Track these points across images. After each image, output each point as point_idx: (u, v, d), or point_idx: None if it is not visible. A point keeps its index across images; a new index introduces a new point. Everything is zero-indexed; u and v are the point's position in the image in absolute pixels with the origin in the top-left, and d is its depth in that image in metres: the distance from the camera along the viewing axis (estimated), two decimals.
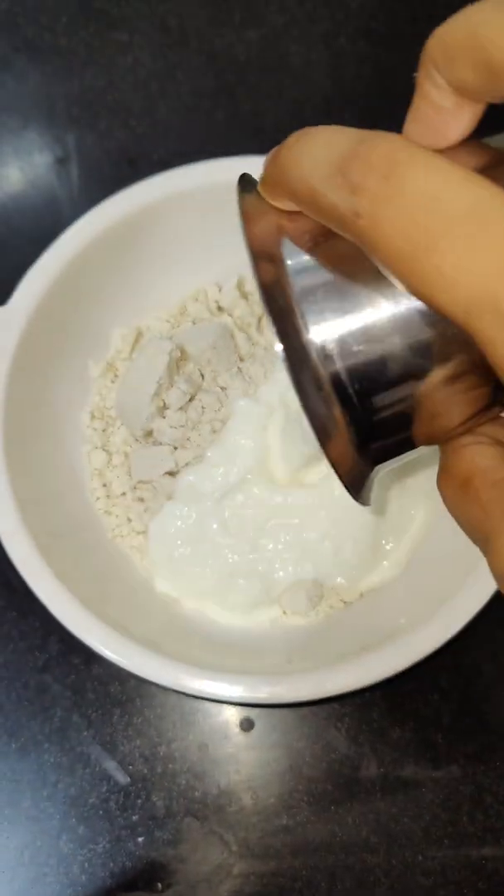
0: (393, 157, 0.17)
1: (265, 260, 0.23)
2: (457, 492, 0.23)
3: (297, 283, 0.22)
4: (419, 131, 0.24)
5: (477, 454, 0.23)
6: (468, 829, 0.51)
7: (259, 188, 0.24)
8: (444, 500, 0.24)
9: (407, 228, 0.17)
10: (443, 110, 0.23)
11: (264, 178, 0.23)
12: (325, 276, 0.22)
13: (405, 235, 0.17)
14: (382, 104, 0.64)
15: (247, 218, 0.24)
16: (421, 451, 0.25)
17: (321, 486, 0.50)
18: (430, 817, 0.51)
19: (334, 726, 0.52)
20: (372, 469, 0.25)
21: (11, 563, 0.46)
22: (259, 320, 0.55)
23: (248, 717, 0.52)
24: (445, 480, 0.24)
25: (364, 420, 0.23)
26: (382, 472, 0.26)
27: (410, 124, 0.24)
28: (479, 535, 0.23)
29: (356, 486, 0.25)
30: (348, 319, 0.22)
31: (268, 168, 0.23)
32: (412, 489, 0.51)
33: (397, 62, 0.65)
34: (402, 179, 0.17)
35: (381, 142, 0.18)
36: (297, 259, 0.23)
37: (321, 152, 0.19)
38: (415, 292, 0.17)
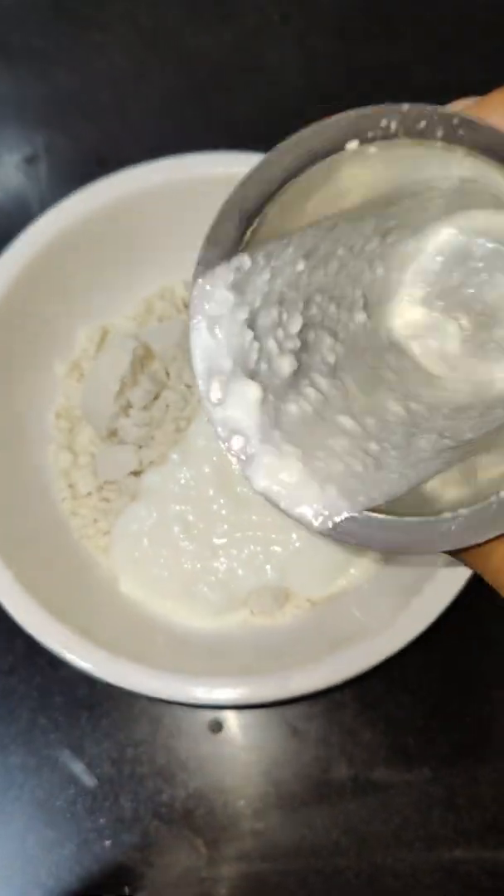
0: None
1: None
2: None
3: None
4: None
5: None
6: (440, 831, 0.51)
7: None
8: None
9: None
10: None
11: None
12: None
13: None
14: (357, 104, 0.63)
15: None
16: None
17: None
18: (401, 819, 0.51)
19: (304, 728, 0.52)
20: None
21: None
22: None
23: (216, 719, 0.52)
24: None
25: None
26: None
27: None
28: None
29: None
30: None
31: None
32: None
33: (371, 61, 0.64)
34: None
35: None
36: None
37: None
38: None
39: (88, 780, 0.51)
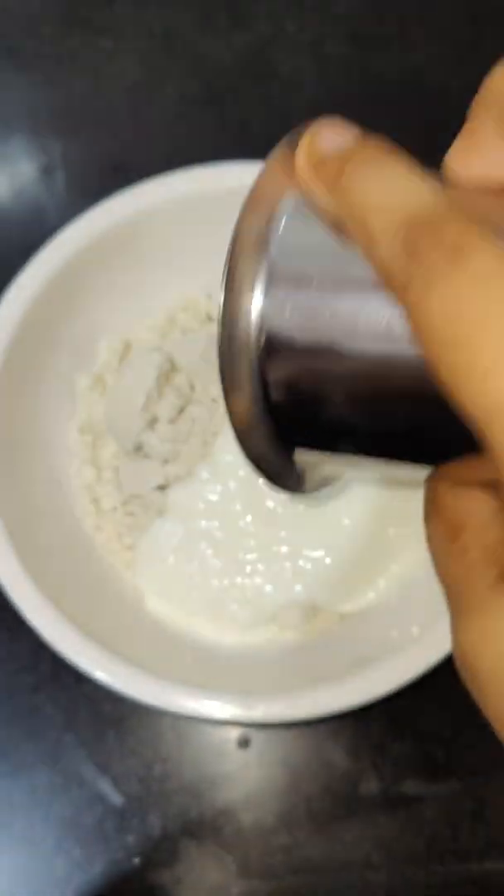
0: (467, 240, 0.16)
1: (260, 206, 0.22)
2: (442, 537, 0.21)
3: (280, 241, 0.21)
4: (467, 161, 0.22)
5: (476, 504, 0.21)
6: (470, 843, 0.50)
7: (299, 157, 0.22)
8: (427, 538, 0.22)
9: (455, 314, 0.16)
10: (500, 146, 0.21)
11: (309, 154, 0.21)
12: (314, 251, 0.21)
13: (450, 320, 0.16)
14: (371, 110, 0.63)
15: (267, 167, 0.22)
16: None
17: (314, 512, 0.49)
18: (431, 832, 0.50)
19: (333, 742, 0.52)
20: (287, 450, 0.23)
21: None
22: None
23: (244, 735, 0.51)
24: (433, 518, 0.22)
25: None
26: (322, 464, 0.23)
27: (459, 152, 0.23)
28: (452, 596, 0.21)
29: (265, 459, 0.23)
30: (307, 294, 0.20)
31: (316, 149, 0.21)
32: (408, 512, 0.50)
33: (385, 67, 0.64)
34: (468, 264, 0.16)
35: (457, 220, 0.17)
36: (293, 222, 0.21)
37: (393, 198, 0.18)
38: (437, 377, 0.16)
39: (116, 798, 0.50)
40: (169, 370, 0.50)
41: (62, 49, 0.64)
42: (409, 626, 0.46)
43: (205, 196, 0.49)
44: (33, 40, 0.64)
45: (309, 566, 0.49)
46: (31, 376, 0.49)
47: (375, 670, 0.44)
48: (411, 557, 0.50)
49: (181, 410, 0.50)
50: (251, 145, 0.62)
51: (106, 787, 0.51)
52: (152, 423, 0.50)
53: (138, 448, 0.50)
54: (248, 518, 0.49)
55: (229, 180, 0.49)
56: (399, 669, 0.44)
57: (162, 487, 0.50)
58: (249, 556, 0.49)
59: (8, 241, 0.59)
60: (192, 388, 0.51)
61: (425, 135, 0.62)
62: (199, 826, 0.50)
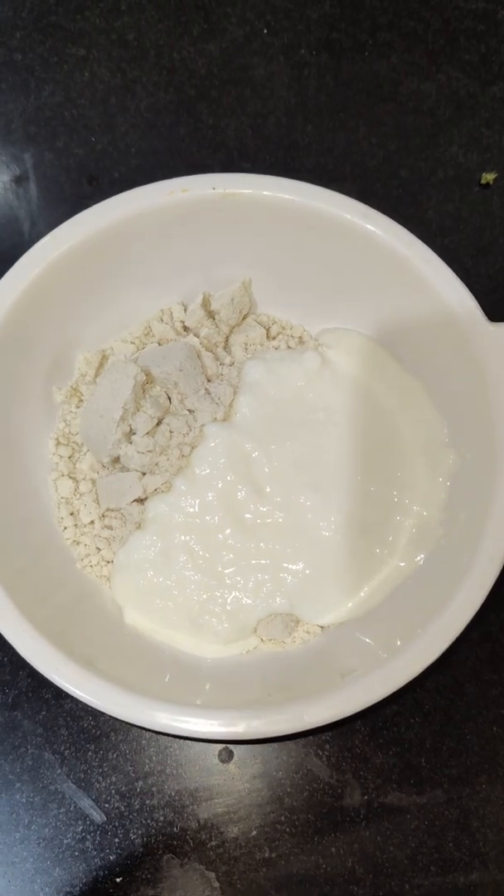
0: None
1: None
2: None
3: None
4: None
5: None
6: (455, 854, 0.50)
7: None
8: None
9: None
10: None
11: None
12: None
13: None
14: (345, 116, 0.63)
15: None
16: None
17: (293, 524, 0.49)
18: (415, 844, 0.50)
19: (315, 754, 0.51)
20: None
21: None
22: (226, 339, 0.54)
23: (226, 748, 0.51)
24: None
25: None
26: None
27: None
28: None
29: None
30: None
31: None
32: (388, 525, 0.50)
33: (360, 73, 0.64)
34: None
35: None
36: None
37: None
38: None
39: (97, 816, 0.50)
40: (144, 382, 0.49)
41: (33, 57, 0.63)
42: (392, 637, 0.46)
43: (180, 207, 0.49)
44: (3, 48, 0.63)
45: (289, 578, 0.48)
46: (8, 389, 0.48)
47: (357, 683, 0.43)
48: (392, 569, 0.49)
49: (158, 422, 0.49)
50: (225, 152, 0.62)
51: (86, 804, 0.50)
52: (129, 435, 0.49)
53: (115, 460, 0.50)
54: (227, 531, 0.48)
55: (205, 191, 0.48)
56: (381, 682, 0.43)
57: (140, 500, 0.50)
58: (229, 570, 0.48)
59: None
60: (168, 399, 0.50)
61: (398, 140, 0.62)
62: (182, 842, 0.50)
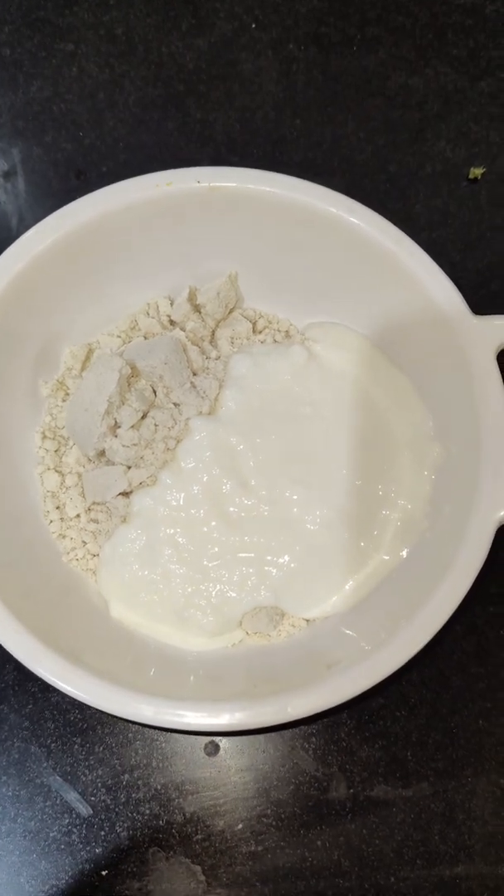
0: None
1: None
2: None
3: None
4: None
5: None
6: (440, 847, 0.50)
7: None
8: None
9: None
10: None
11: None
12: None
13: None
14: (333, 111, 0.63)
15: None
16: None
17: (278, 517, 0.49)
18: (401, 837, 0.50)
19: (301, 747, 0.51)
20: None
21: None
22: (212, 333, 0.54)
23: (213, 741, 0.51)
24: None
25: None
26: None
27: None
28: None
29: None
30: None
31: None
32: (374, 518, 0.50)
33: (348, 68, 0.64)
34: None
35: None
36: None
37: None
38: None
39: (83, 809, 0.50)
40: (130, 375, 0.49)
41: (21, 52, 0.63)
42: (375, 631, 0.46)
43: (166, 200, 0.49)
44: None
45: (274, 572, 0.48)
46: None
47: (342, 675, 0.43)
48: (377, 563, 0.49)
49: (143, 416, 0.49)
50: (213, 146, 0.62)
51: (73, 797, 0.50)
52: (114, 428, 0.49)
53: (101, 454, 0.50)
54: (213, 524, 0.48)
55: (190, 184, 0.48)
56: (365, 673, 0.43)
57: (125, 494, 0.50)
58: (214, 563, 0.48)
59: None
60: (153, 392, 0.50)
61: (386, 134, 0.62)
62: (168, 835, 0.50)
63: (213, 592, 0.48)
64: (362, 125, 0.63)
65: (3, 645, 0.44)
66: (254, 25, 0.65)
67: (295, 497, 0.49)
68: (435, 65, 0.64)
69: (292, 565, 0.48)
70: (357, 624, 0.48)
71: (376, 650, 0.44)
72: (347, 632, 0.48)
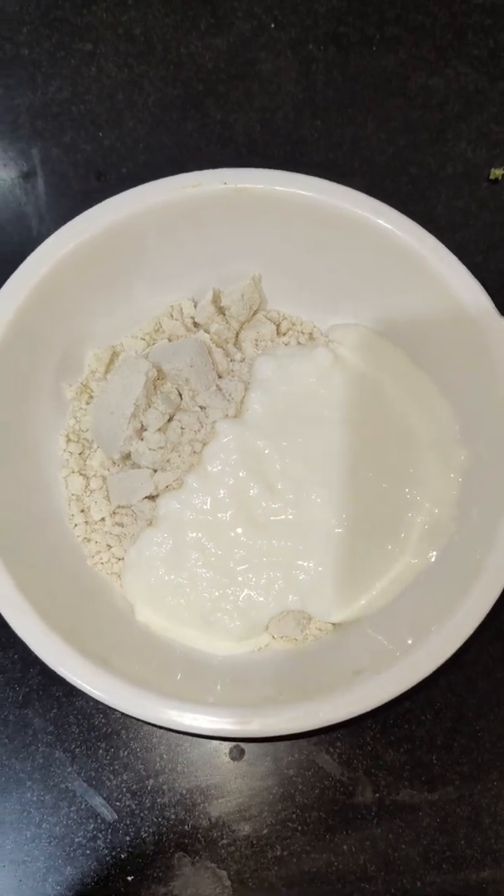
0: None
1: None
2: None
3: None
4: None
5: None
6: (466, 851, 0.50)
7: None
8: None
9: None
10: None
11: None
12: None
13: None
14: (353, 111, 0.63)
15: None
16: None
17: (305, 521, 0.48)
18: (427, 841, 0.50)
19: (326, 751, 0.51)
20: None
21: None
22: (236, 336, 0.54)
23: (237, 746, 0.51)
24: None
25: None
26: None
27: None
28: None
29: None
30: None
31: None
32: (400, 522, 0.50)
33: (367, 68, 0.64)
34: None
35: None
36: None
37: None
38: None
39: (108, 814, 0.50)
40: (156, 378, 0.49)
41: (40, 52, 0.63)
42: (403, 636, 0.46)
43: (191, 202, 0.48)
44: (10, 43, 0.63)
45: (301, 575, 0.48)
46: (19, 385, 0.48)
47: (370, 681, 0.43)
48: (404, 566, 0.49)
49: (169, 419, 0.49)
50: (234, 147, 0.62)
51: (98, 802, 0.50)
52: (140, 431, 0.49)
53: (126, 457, 0.50)
54: (239, 528, 0.48)
55: (217, 186, 0.48)
56: (393, 680, 0.43)
57: (151, 497, 0.49)
58: (240, 567, 0.48)
59: None
60: (179, 395, 0.50)
61: (406, 135, 0.62)
62: (194, 840, 0.49)
63: (240, 596, 0.48)
64: (382, 126, 0.62)
65: (30, 646, 0.44)
66: (273, 25, 0.65)
67: (320, 500, 0.49)
68: (455, 65, 0.64)
69: (319, 569, 0.48)
70: (385, 628, 0.48)
71: (405, 656, 0.44)
72: (375, 636, 0.48)
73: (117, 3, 0.64)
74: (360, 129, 0.62)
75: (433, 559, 0.49)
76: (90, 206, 0.49)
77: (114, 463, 0.51)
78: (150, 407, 0.48)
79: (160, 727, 0.44)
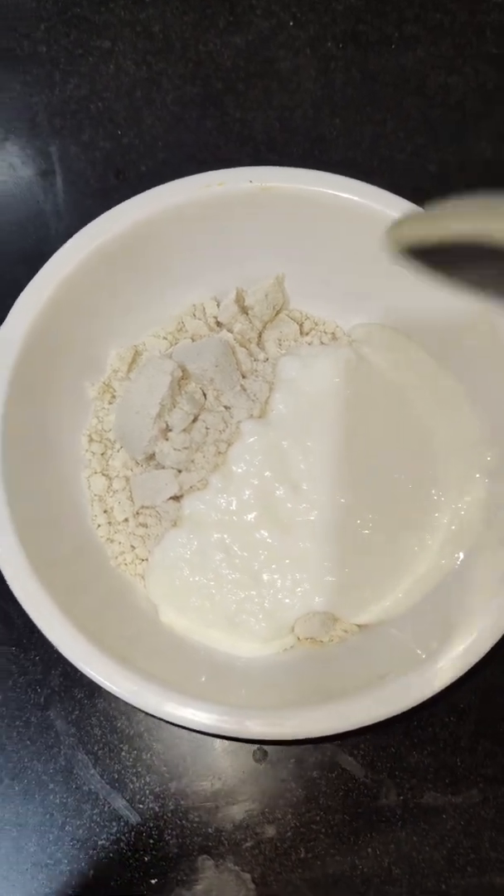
0: None
1: None
2: None
3: None
4: None
5: None
6: (491, 854, 0.50)
7: None
8: None
9: None
10: None
11: None
12: None
13: None
14: (372, 110, 0.62)
15: None
16: None
17: (330, 520, 0.48)
18: (452, 844, 0.50)
19: (350, 753, 0.51)
20: None
21: (10, 594, 0.44)
22: (259, 335, 0.53)
23: (261, 748, 0.51)
24: None
25: None
26: None
27: None
28: None
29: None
30: None
31: None
32: (428, 522, 0.50)
33: (386, 66, 0.63)
34: None
35: None
36: None
37: None
38: None
39: (132, 817, 0.49)
40: (181, 378, 0.49)
41: (57, 49, 0.63)
42: (429, 638, 0.45)
43: (215, 201, 0.48)
44: (28, 40, 0.63)
45: (326, 576, 0.48)
46: (42, 386, 0.48)
47: (396, 685, 0.43)
48: (430, 567, 0.49)
49: (194, 419, 0.49)
50: (253, 145, 0.61)
51: (121, 805, 0.49)
52: (165, 431, 0.48)
53: (150, 458, 0.49)
54: (264, 529, 0.48)
55: (237, 185, 0.48)
56: (419, 685, 0.43)
57: (176, 498, 0.49)
58: (266, 567, 0.48)
59: (7, 248, 0.58)
60: (204, 395, 0.50)
61: (426, 134, 0.61)
62: (217, 843, 0.49)
63: (266, 597, 0.48)
64: (402, 124, 0.62)
65: (56, 647, 0.43)
66: (291, 23, 0.64)
67: (345, 500, 0.48)
68: (474, 63, 0.64)
69: (345, 569, 0.48)
70: (411, 629, 0.47)
71: (432, 659, 0.43)
72: (402, 637, 0.47)
73: (135, 1, 0.64)
74: (379, 127, 0.62)
75: (460, 560, 0.49)
76: (109, 204, 0.49)
77: (137, 463, 0.50)
78: (174, 407, 0.48)
79: (185, 728, 0.44)
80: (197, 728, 0.43)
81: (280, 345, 0.53)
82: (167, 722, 0.44)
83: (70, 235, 0.48)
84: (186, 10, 0.64)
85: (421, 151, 0.62)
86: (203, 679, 0.46)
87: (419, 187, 0.60)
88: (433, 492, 0.49)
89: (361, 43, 0.64)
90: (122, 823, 0.49)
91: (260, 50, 0.63)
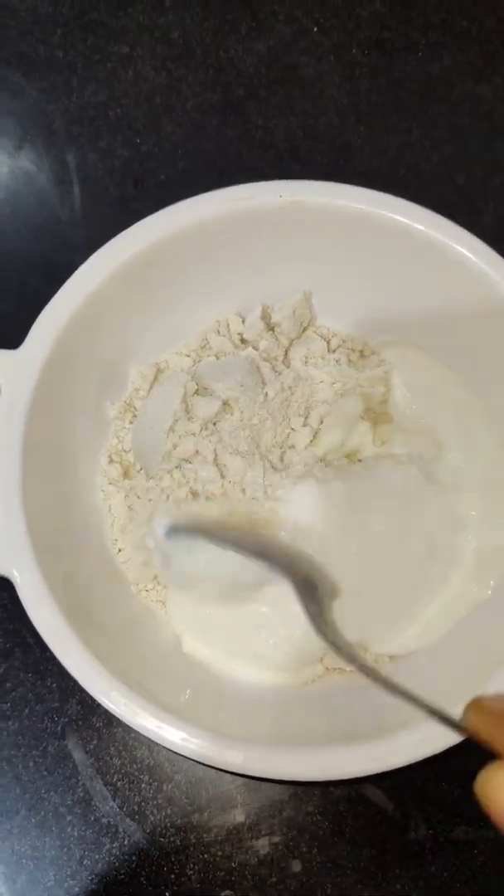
0: None
1: None
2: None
3: None
4: None
5: None
6: None
7: None
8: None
9: None
10: None
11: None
12: None
13: None
14: (398, 118, 0.61)
15: None
16: None
17: (361, 551, 0.46)
18: (483, 880, 0.48)
19: (377, 786, 0.49)
20: None
21: (28, 621, 0.42)
22: (285, 352, 0.51)
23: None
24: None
25: None
26: None
27: None
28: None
29: None
30: None
31: None
32: (460, 551, 0.48)
33: (412, 74, 0.62)
34: None
35: None
36: None
37: None
38: None
39: (152, 850, 0.48)
40: (196, 390, 0.47)
41: (75, 54, 0.61)
42: (462, 669, 0.44)
43: (240, 216, 0.46)
44: (44, 45, 0.61)
45: (355, 605, 0.46)
46: (63, 405, 0.46)
47: (427, 726, 0.41)
48: (460, 595, 0.47)
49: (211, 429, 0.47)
50: (275, 153, 0.60)
51: (141, 838, 0.48)
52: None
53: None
54: None
55: (266, 199, 0.46)
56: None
57: None
58: (292, 597, 0.46)
59: (24, 260, 0.56)
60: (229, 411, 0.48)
61: (453, 143, 0.60)
62: (241, 878, 0.48)
63: (292, 626, 0.46)
64: (428, 134, 0.61)
65: (74, 676, 0.41)
66: (315, 29, 0.63)
67: (377, 529, 0.47)
68: (503, 72, 0.62)
69: (374, 598, 0.46)
70: (444, 661, 0.46)
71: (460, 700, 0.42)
72: (432, 669, 0.46)
73: (154, 6, 0.62)
74: (406, 136, 0.61)
75: (491, 589, 0.47)
76: (127, 213, 0.47)
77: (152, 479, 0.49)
78: (189, 420, 0.46)
79: (211, 767, 0.42)
80: (225, 769, 0.41)
81: (306, 362, 0.51)
82: (193, 759, 0.42)
83: (87, 245, 0.46)
84: (207, 15, 0.62)
85: (448, 161, 0.60)
86: (228, 711, 0.45)
87: (446, 199, 0.59)
88: (462, 517, 0.48)
89: (387, 50, 0.62)
90: (143, 857, 0.48)
91: (282, 56, 0.62)
